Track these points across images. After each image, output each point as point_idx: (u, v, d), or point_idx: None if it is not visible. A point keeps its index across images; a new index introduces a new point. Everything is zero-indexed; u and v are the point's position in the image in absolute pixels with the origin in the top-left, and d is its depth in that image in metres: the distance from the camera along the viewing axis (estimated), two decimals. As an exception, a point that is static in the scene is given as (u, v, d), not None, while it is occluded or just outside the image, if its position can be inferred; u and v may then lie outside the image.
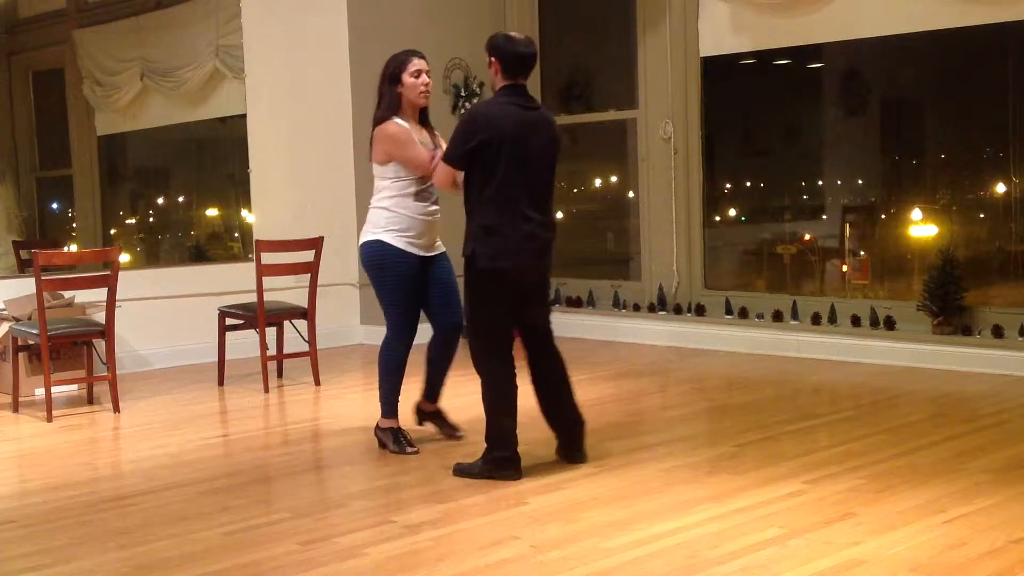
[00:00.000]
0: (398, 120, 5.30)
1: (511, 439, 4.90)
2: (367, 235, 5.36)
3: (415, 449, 5.38)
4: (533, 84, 9.38)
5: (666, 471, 4.92)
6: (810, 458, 5.05)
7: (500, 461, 4.88)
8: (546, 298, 5.19)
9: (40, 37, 9.13)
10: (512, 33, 5.01)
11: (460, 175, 5.01)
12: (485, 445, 4.94)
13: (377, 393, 5.46)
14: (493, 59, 4.91)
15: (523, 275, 4.91)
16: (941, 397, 6.35)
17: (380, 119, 5.33)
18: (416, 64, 5.33)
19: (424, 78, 5.33)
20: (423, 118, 5.45)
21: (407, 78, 5.32)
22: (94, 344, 6.83)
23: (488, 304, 4.88)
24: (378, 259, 5.32)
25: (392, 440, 5.41)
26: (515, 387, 4.94)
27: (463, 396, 6.00)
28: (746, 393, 6.75)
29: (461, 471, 4.95)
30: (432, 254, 5.42)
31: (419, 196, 5.32)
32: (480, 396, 4.96)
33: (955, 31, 7.16)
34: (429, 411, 5.67)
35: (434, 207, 5.40)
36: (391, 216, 5.29)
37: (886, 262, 8.22)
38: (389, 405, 5.45)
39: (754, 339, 8.02)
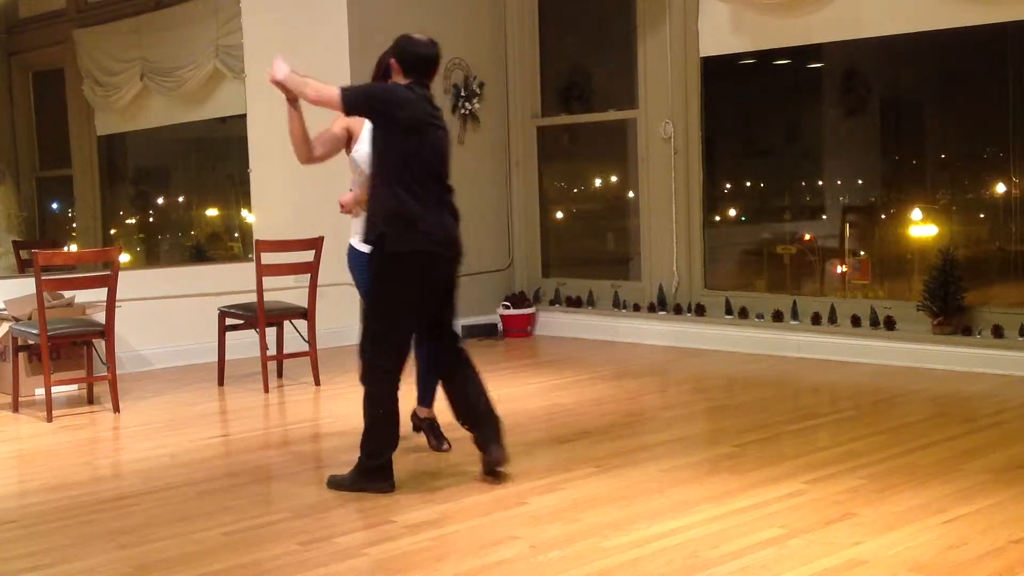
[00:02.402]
0: None
1: (388, 447, 4.71)
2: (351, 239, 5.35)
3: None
4: (533, 83, 9.48)
5: (666, 471, 4.91)
6: (810, 458, 5.05)
7: (373, 471, 4.69)
8: (454, 297, 4.93)
9: (40, 37, 9.14)
10: (415, 35, 4.89)
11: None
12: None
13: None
14: (392, 60, 4.85)
15: (440, 265, 4.74)
16: (941, 397, 6.35)
17: None
18: None
19: None
20: None
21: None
22: (94, 344, 6.83)
23: (394, 290, 4.66)
24: (350, 266, 5.31)
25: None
26: (397, 390, 4.69)
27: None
28: (746, 393, 6.75)
29: (335, 483, 4.77)
30: None
31: None
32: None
33: (955, 31, 7.15)
34: (424, 417, 5.51)
35: None
36: (355, 221, 5.27)
37: (886, 262, 8.21)
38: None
39: (754, 339, 8.01)
